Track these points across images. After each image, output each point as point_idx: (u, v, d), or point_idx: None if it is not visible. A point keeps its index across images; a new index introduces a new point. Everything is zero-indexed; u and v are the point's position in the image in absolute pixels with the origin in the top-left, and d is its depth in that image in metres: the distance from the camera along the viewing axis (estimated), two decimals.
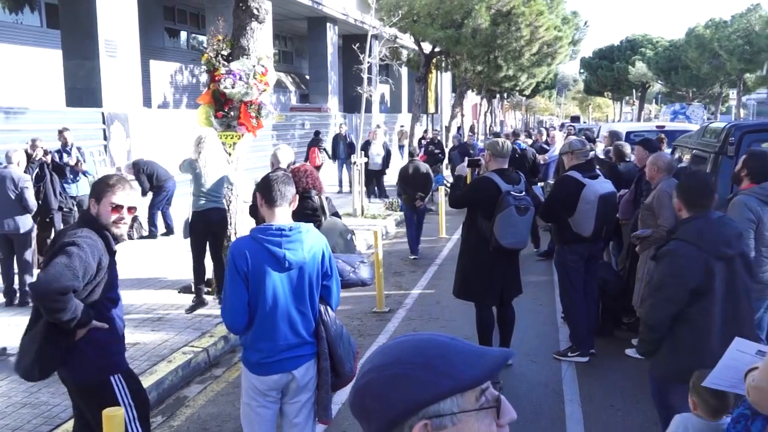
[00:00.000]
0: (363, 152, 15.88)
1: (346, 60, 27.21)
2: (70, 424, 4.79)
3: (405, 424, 1.10)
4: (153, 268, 9.54)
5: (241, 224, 7.96)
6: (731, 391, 2.57)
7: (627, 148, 8.32)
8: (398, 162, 18.47)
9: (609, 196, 6.18)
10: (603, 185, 6.16)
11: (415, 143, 19.44)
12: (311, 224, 3.63)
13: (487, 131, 38.40)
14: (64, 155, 9.83)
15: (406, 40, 23.37)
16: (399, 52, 25.34)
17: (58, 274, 3.14)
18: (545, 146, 14.93)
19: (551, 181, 10.32)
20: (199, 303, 7.69)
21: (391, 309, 8.08)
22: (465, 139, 20.75)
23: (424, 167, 11.05)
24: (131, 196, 3.51)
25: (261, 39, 8.05)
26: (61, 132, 9.98)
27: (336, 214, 6.12)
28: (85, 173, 10.11)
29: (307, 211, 5.53)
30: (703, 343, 3.64)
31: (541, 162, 12.50)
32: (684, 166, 7.05)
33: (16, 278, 7.86)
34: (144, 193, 11.53)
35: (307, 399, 3.61)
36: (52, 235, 9.34)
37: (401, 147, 21.90)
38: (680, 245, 3.73)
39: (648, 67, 51.90)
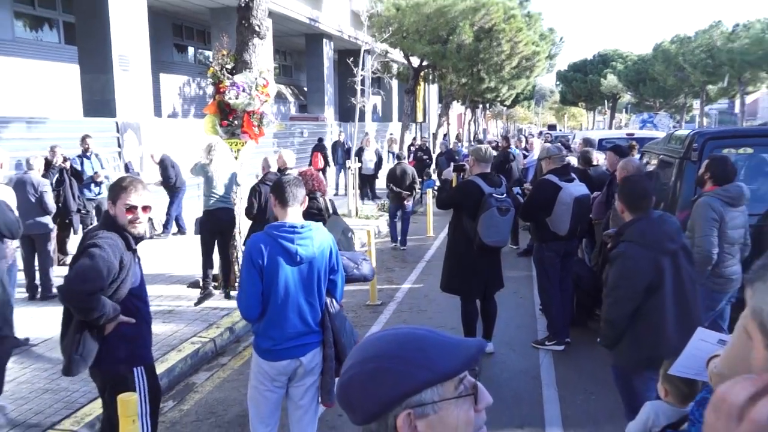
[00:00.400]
0: (357, 158, 15.88)
1: (341, 73, 27.13)
2: (89, 408, 4.81)
3: (389, 414, 1.08)
4: (163, 265, 9.53)
5: (245, 223, 7.96)
6: (695, 378, 2.59)
7: (593, 153, 8.39)
8: (388, 167, 18.44)
9: (583, 198, 6.21)
10: (578, 188, 6.19)
11: (405, 149, 19.48)
12: (320, 223, 3.66)
13: (471, 139, 38.42)
14: (84, 160, 9.81)
15: (396, 54, 23.35)
16: (390, 66, 25.33)
17: (83, 275, 3.12)
18: (524, 152, 14.97)
19: (529, 185, 10.35)
20: (206, 295, 7.69)
21: (384, 302, 8.09)
22: (451, 146, 20.74)
23: (410, 169, 11.76)
24: (144, 196, 3.43)
25: (262, 54, 8.07)
26: (84, 138, 9.97)
27: (336, 213, 6.14)
28: (101, 182, 10.01)
29: (313, 211, 5.54)
30: (660, 335, 3.64)
31: (521, 166, 12.56)
32: (652, 170, 7.09)
33: (37, 275, 7.84)
34: (166, 187, 11.49)
35: (312, 383, 3.62)
36: (71, 234, 9.35)
37: (391, 153, 21.90)
38: (629, 247, 3.71)
39: (618, 80, 51.95)
